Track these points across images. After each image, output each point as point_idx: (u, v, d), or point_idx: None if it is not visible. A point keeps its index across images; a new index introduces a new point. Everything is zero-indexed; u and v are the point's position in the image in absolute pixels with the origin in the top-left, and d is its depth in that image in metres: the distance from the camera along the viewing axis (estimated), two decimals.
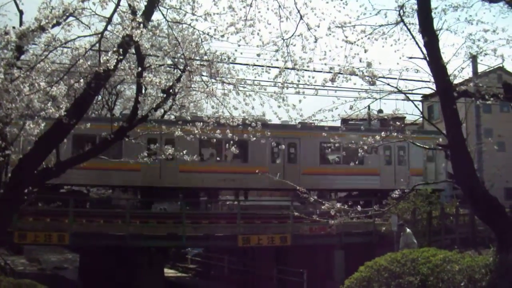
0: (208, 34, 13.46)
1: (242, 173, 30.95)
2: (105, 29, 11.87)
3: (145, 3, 13.25)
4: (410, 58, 13.77)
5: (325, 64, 13.59)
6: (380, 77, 13.55)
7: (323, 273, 27.30)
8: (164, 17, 13.12)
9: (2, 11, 17.28)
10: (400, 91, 13.98)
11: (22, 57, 13.44)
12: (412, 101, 14.77)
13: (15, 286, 13.73)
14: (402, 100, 14.82)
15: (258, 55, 13.72)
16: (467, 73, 18.63)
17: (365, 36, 13.69)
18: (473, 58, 15.16)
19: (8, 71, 10.98)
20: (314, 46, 13.49)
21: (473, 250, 21.70)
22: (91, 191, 32.03)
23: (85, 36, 12.20)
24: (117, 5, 12.08)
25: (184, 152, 15.88)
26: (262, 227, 27.77)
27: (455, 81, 14.03)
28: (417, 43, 13.67)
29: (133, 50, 14.39)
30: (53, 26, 11.26)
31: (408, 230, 23.17)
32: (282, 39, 13.72)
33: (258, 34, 13.61)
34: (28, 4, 15.22)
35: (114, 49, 11.43)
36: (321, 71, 14.18)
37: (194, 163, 18.79)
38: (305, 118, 14.33)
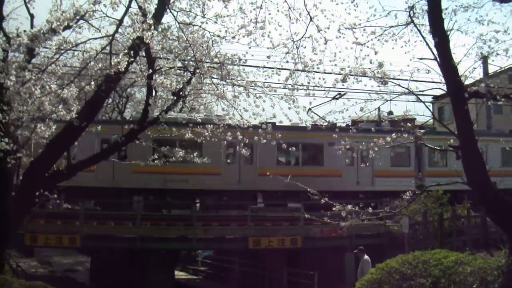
0: (219, 36, 13.48)
1: None
2: (116, 31, 11.93)
3: (155, 6, 13.29)
4: (421, 59, 13.72)
5: (335, 65, 13.59)
6: (391, 78, 13.51)
7: (334, 276, 27.22)
8: (175, 19, 13.17)
9: (14, 15, 17.39)
10: (411, 92, 13.93)
11: (33, 60, 13.53)
12: (423, 102, 14.71)
13: None
14: (413, 101, 14.77)
15: (268, 57, 13.74)
16: (478, 73, 18.52)
17: (375, 37, 13.65)
18: (484, 59, 15.08)
19: (19, 74, 11.04)
20: (324, 47, 13.50)
21: (485, 252, 21.57)
22: None
23: (95, 39, 12.27)
24: (128, 6, 12.13)
25: None
26: (272, 229, 27.72)
27: (466, 82, 13.95)
28: (427, 44, 13.62)
29: (143, 53, 14.45)
30: (64, 29, 11.32)
31: (366, 256, 21.96)
32: (292, 41, 13.73)
33: (268, 36, 13.65)
34: (39, 8, 15.32)
35: (125, 51, 11.47)
36: (331, 73, 14.17)
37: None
38: (315, 120, 14.34)
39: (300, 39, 13.65)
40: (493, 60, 14.43)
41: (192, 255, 40.39)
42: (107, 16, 11.82)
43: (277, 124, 17.20)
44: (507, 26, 13.23)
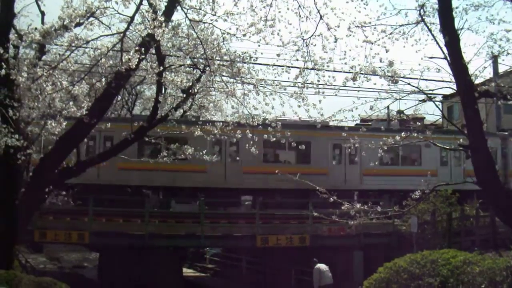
0: (229, 34, 13.48)
1: None
2: (127, 28, 11.96)
3: (166, 3, 13.31)
4: (431, 58, 13.67)
5: (345, 63, 13.55)
6: (401, 77, 13.47)
7: (342, 274, 27.18)
8: (185, 16, 13.17)
9: (24, 12, 17.45)
10: (421, 91, 13.88)
11: (44, 57, 13.60)
12: (433, 101, 14.65)
13: (36, 284, 13.80)
14: (423, 100, 14.69)
15: (278, 55, 13.72)
16: (489, 73, 18.43)
17: (386, 36, 13.59)
18: (495, 58, 14.98)
19: (30, 70, 11.11)
20: (334, 46, 13.46)
21: (494, 252, 21.53)
22: None
23: (106, 36, 12.31)
24: (139, 4, 12.16)
25: None
26: (280, 228, 27.75)
27: (476, 81, 13.89)
28: (437, 42, 13.56)
29: (153, 50, 14.48)
30: (76, 26, 11.37)
31: (317, 265, 22.57)
32: (302, 39, 13.71)
33: (278, 34, 13.64)
34: (50, 5, 15.38)
35: (136, 48, 11.50)
36: (341, 71, 14.14)
37: None
38: (325, 118, 14.30)
39: (310, 37, 13.64)
40: (503, 60, 14.40)
41: (200, 253, 40.47)
42: (118, 13, 11.88)
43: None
44: None
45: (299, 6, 13.57)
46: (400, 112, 33.25)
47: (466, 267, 15.64)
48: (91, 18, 11.86)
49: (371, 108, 13.72)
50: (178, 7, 13.49)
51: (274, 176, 20.09)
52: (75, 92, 11.75)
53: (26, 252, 35.59)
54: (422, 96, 14.44)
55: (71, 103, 12.41)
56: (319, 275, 22.55)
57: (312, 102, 14.52)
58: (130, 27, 12.49)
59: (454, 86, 13.76)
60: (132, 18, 11.92)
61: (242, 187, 30.99)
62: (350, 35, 13.43)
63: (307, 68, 13.91)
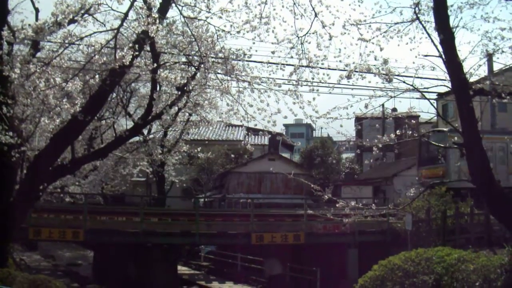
0: (223, 31, 13.46)
1: None
2: (121, 24, 11.91)
3: (160, 0, 13.27)
4: (426, 56, 13.68)
5: (340, 61, 13.56)
6: (395, 75, 13.48)
7: (337, 272, 27.23)
8: (180, 13, 13.13)
9: (19, 9, 17.39)
10: (415, 89, 13.89)
11: (38, 54, 13.54)
12: (427, 99, 14.67)
13: (30, 282, 13.77)
14: (418, 98, 14.71)
15: (273, 52, 13.72)
16: (483, 71, 18.44)
17: (380, 34, 13.61)
18: (489, 56, 15.01)
19: (24, 67, 11.06)
20: (328, 43, 13.47)
21: (488, 249, 21.52)
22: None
23: (100, 32, 12.27)
24: (134, 0, 12.11)
25: None
26: (275, 225, 27.73)
27: (471, 79, 13.92)
28: (432, 41, 13.58)
29: (148, 48, 14.43)
30: (69, 22, 11.32)
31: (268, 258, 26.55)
32: (297, 36, 13.70)
33: (273, 31, 13.64)
34: (44, 2, 15.33)
35: (130, 45, 11.46)
36: (336, 69, 14.15)
37: None
38: (320, 116, 14.29)
39: (305, 34, 13.64)
40: (498, 58, 14.43)
41: (195, 250, 40.43)
42: (112, 9, 11.82)
43: None
44: None
45: (294, 3, 13.58)
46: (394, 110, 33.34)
47: (460, 264, 15.66)
48: (85, 15, 11.80)
49: (366, 106, 13.73)
50: (173, 4, 13.45)
51: None
52: (69, 89, 11.69)
53: (21, 250, 35.47)
54: (417, 94, 14.47)
55: (64, 100, 12.36)
56: (270, 266, 27.29)
57: (307, 99, 14.53)
58: (125, 24, 12.45)
59: (449, 84, 13.79)
60: (126, 14, 11.87)
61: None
62: (345, 33, 13.45)
63: (302, 66, 13.91)
